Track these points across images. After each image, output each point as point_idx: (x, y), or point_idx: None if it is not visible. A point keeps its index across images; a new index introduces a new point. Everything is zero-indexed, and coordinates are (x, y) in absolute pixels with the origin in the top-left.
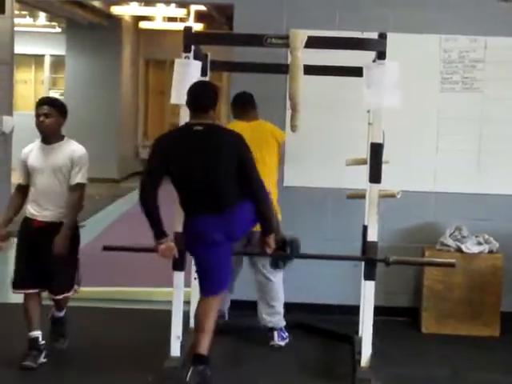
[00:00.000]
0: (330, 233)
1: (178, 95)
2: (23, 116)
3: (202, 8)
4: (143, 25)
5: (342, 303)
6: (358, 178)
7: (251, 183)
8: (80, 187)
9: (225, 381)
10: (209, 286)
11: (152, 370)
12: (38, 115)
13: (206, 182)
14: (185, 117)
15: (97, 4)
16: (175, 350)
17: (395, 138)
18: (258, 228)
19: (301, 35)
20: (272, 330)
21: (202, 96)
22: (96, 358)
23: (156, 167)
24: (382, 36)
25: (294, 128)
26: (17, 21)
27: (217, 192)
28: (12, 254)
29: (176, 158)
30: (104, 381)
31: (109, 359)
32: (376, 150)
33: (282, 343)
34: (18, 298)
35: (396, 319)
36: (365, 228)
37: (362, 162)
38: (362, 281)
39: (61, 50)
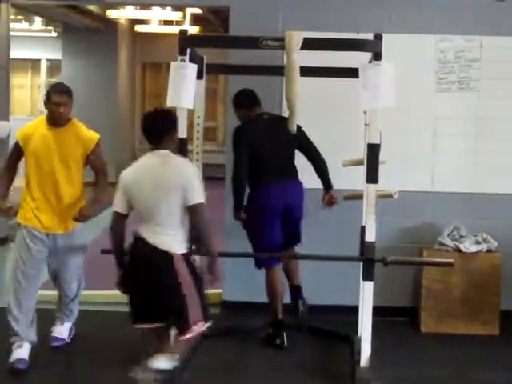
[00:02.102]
0: (328, 234)
1: (175, 98)
2: (20, 121)
3: (198, 11)
4: (139, 28)
5: (341, 304)
6: (355, 178)
7: (314, 147)
8: None
9: (224, 381)
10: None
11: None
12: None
13: (278, 154)
14: (183, 118)
15: (93, 8)
16: None
17: (392, 138)
18: None
19: (296, 37)
20: None
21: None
22: (96, 360)
23: (244, 152)
24: (378, 37)
25: (291, 130)
26: (12, 25)
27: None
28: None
29: (255, 139)
30: (104, 381)
31: (109, 362)
32: (373, 150)
33: None
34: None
35: (395, 319)
36: (363, 228)
37: (359, 162)
38: (361, 281)
39: (57, 55)
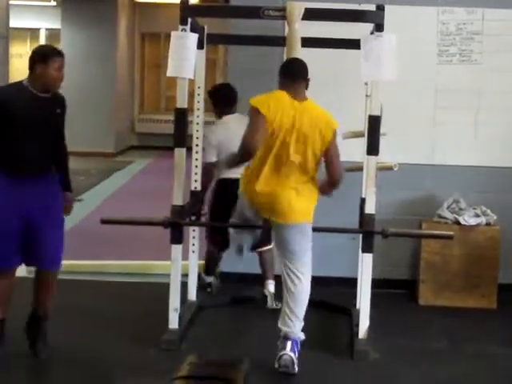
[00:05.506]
0: (327, 206)
1: (176, 68)
2: None
3: None
4: None
5: (340, 276)
6: (355, 150)
7: None
8: None
9: (223, 352)
10: None
11: (151, 342)
12: None
13: None
14: (183, 88)
15: None
16: (173, 322)
17: (392, 110)
18: None
19: (298, 7)
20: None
21: None
22: (96, 331)
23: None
24: (380, 8)
25: None
26: None
27: None
28: None
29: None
30: (103, 354)
31: (108, 332)
32: (374, 122)
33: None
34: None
35: (393, 291)
36: (362, 201)
37: (360, 134)
38: (360, 253)
39: (56, 24)
